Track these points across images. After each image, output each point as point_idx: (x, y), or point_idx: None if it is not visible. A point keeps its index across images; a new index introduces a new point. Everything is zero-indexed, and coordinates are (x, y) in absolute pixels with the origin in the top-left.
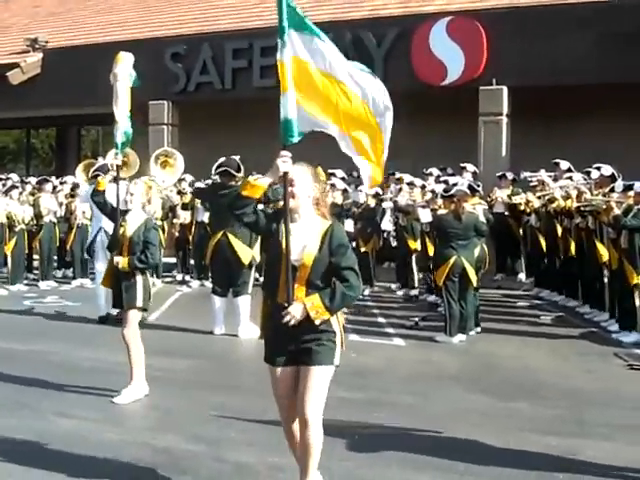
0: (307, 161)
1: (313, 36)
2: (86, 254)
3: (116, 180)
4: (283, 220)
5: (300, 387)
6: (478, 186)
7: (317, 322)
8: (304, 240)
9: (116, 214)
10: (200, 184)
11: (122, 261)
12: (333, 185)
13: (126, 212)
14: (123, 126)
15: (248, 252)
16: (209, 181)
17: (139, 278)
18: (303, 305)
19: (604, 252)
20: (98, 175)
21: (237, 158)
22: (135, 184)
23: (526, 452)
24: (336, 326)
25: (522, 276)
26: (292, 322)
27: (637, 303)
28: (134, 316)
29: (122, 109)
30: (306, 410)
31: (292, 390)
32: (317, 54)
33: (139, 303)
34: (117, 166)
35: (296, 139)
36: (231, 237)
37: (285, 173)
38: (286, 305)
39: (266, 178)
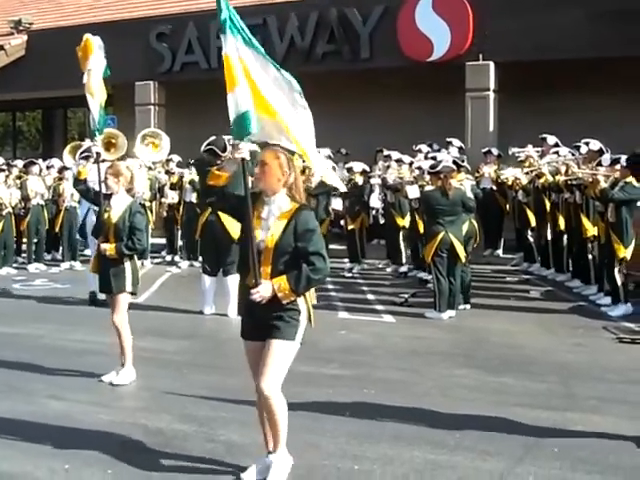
0: None
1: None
2: (78, 235)
3: (98, 166)
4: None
5: (260, 361)
6: (463, 161)
7: (284, 302)
8: (269, 223)
9: (100, 199)
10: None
11: (109, 248)
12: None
13: (110, 196)
14: (96, 115)
15: (237, 227)
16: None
17: (127, 264)
18: (272, 285)
19: (589, 227)
20: (88, 157)
21: (228, 138)
22: (111, 167)
23: (516, 426)
24: (302, 305)
25: (499, 252)
26: (260, 300)
27: (617, 277)
28: (124, 301)
29: (96, 101)
30: (261, 382)
31: (258, 364)
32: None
33: (128, 288)
34: (98, 153)
35: (253, 132)
36: (220, 213)
37: (242, 159)
38: (252, 286)
39: (227, 169)
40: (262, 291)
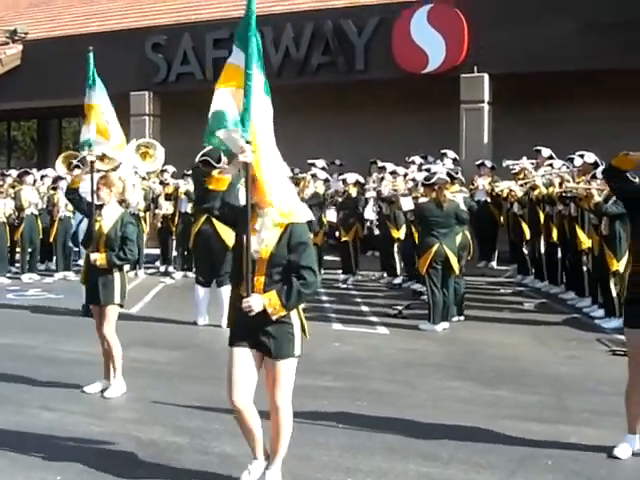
0: (289, 151)
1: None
2: (71, 243)
3: (92, 176)
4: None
5: (268, 380)
6: (457, 173)
7: (273, 318)
8: (264, 234)
9: (92, 210)
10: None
11: (99, 257)
12: (314, 175)
13: (101, 207)
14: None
15: (232, 236)
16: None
17: (116, 275)
18: (262, 300)
19: (584, 239)
20: (78, 166)
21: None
22: (103, 177)
23: (510, 438)
24: (295, 318)
25: (493, 264)
26: (251, 313)
27: (612, 289)
28: (113, 313)
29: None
30: (277, 400)
31: (247, 370)
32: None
33: (116, 300)
34: (91, 162)
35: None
36: (215, 221)
37: (246, 164)
38: (245, 296)
39: (229, 172)
40: (252, 303)
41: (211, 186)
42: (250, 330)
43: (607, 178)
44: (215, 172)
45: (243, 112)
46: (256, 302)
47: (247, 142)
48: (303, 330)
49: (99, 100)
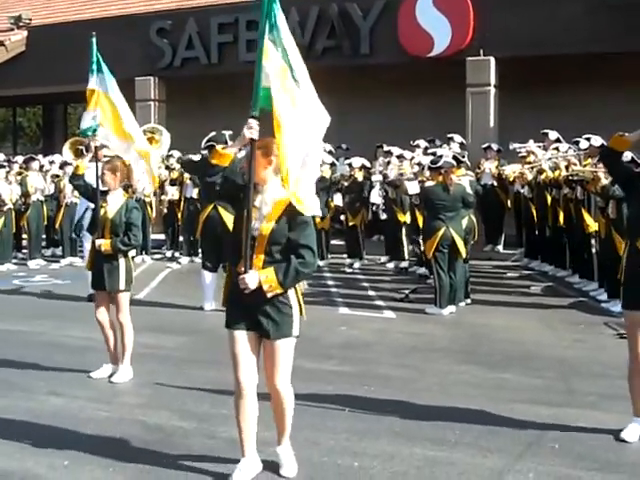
0: None
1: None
2: (73, 234)
3: (96, 162)
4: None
5: (266, 361)
6: (463, 157)
7: (269, 295)
8: (263, 212)
9: (96, 196)
10: (192, 156)
11: (104, 243)
12: (321, 159)
13: (106, 192)
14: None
15: None
16: (199, 156)
17: (122, 260)
18: (258, 276)
19: (591, 222)
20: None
21: (228, 133)
22: (108, 163)
23: (517, 422)
24: (293, 298)
25: (500, 247)
26: (246, 290)
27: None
28: (125, 299)
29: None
30: (276, 382)
31: (250, 352)
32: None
33: (122, 286)
34: (96, 147)
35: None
36: (221, 210)
37: (252, 140)
38: (242, 272)
39: (233, 147)
40: (248, 280)
41: (214, 160)
42: (246, 310)
43: (603, 159)
44: (220, 146)
45: (255, 87)
46: (252, 279)
47: (252, 117)
48: (300, 312)
49: (106, 88)
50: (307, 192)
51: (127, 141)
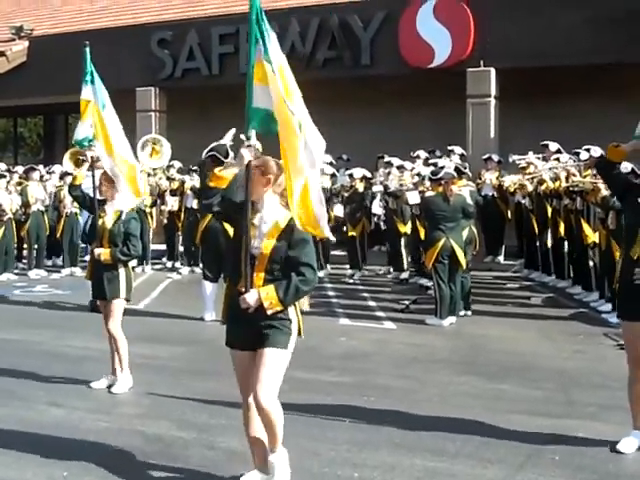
0: None
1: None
2: (81, 241)
3: (93, 172)
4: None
5: (255, 371)
6: (465, 168)
7: (269, 312)
8: (264, 229)
9: (94, 206)
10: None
11: (104, 252)
12: (321, 170)
13: (104, 202)
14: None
15: None
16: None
17: (121, 270)
18: (259, 293)
19: (590, 233)
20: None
21: (229, 138)
22: (105, 173)
23: (517, 433)
24: (292, 314)
25: (500, 258)
26: (249, 310)
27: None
28: (119, 307)
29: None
30: (257, 391)
31: (248, 374)
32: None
33: (122, 295)
34: (92, 157)
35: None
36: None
37: (249, 162)
38: (243, 292)
39: (231, 169)
40: (249, 299)
41: (212, 183)
42: (246, 326)
43: (599, 170)
44: (217, 169)
45: (247, 105)
46: (253, 297)
47: (248, 137)
48: (299, 331)
49: (97, 101)
50: (321, 213)
51: (110, 157)
